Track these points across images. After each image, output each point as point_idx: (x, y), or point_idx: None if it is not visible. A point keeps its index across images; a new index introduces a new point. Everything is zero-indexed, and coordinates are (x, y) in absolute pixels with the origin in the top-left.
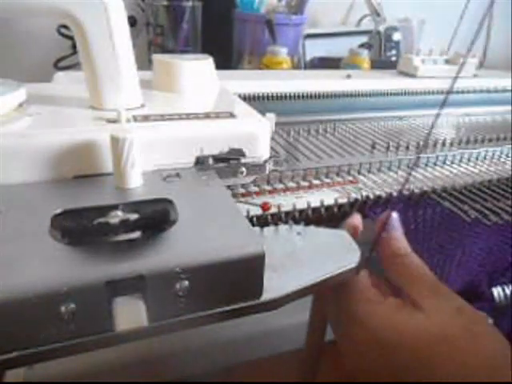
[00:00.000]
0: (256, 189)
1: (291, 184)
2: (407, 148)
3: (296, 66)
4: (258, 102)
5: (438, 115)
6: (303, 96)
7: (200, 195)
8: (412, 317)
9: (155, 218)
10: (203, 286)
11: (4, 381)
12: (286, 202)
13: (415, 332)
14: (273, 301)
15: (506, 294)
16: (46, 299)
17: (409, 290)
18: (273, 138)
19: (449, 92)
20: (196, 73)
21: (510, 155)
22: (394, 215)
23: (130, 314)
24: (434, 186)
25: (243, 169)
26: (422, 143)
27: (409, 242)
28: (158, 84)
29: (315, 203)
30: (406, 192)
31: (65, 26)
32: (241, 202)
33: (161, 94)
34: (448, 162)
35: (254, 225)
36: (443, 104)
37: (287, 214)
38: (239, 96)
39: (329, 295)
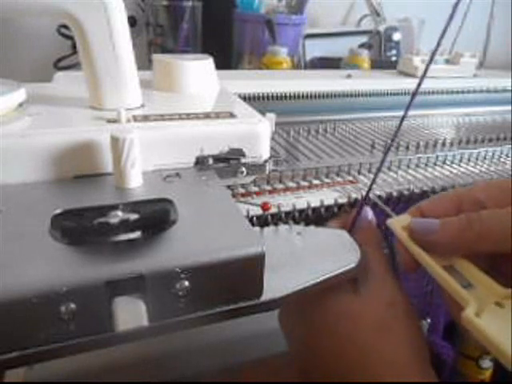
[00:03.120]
0: (256, 189)
1: (291, 184)
2: (407, 148)
3: (296, 66)
4: (258, 101)
5: (403, 117)
6: (303, 96)
7: (200, 195)
8: (347, 297)
9: (155, 218)
10: (203, 285)
11: (4, 381)
12: (285, 202)
13: (344, 312)
14: (273, 301)
15: None
16: (46, 299)
17: (358, 275)
18: (273, 138)
19: (414, 93)
20: (196, 73)
21: (509, 155)
22: (366, 208)
23: (129, 313)
24: (434, 186)
25: (243, 169)
26: (388, 144)
27: None
28: (158, 84)
29: (315, 203)
30: (405, 192)
31: (65, 26)
32: (241, 201)
33: (161, 94)
34: (448, 162)
35: (253, 225)
36: (409, 105)
37: (287, 214)
38: (239, 96)
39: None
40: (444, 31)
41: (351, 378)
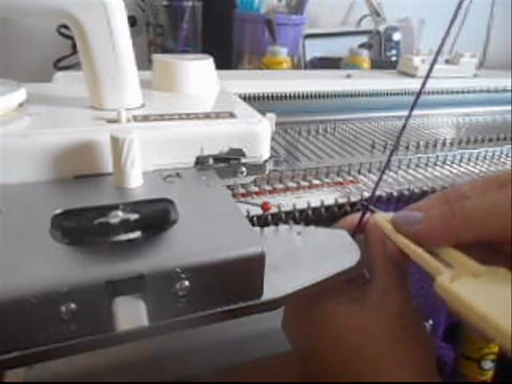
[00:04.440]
0: (256, 189)
1: (291, 184)
2: (407, 148)
3: (296, 66)
4: (258, 101)
5: (408, 116)
6: (303, 96)
7: (200, 195)
8: (353, 307)
9: (155, 218)
10: (203, 285)
11: (4, 381)
12: (286, 202)
13: (351, 324)
14: (273, 301)
15: None
16: (46, 299)
17: (371, 280)
18: (273, 138)
19: (419, 92)
20: (196, 73)
21: (509, 155)
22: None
23: (129, 313)
24: (434, 186)
25: (243, 169)
26: (393, 144)
27: None
28: (158, 84)
29: (315, 203)
30: (405, 192)
31: (65, 26)
32: (241, 201)
33: (161, 94)
34: (448, 162)
35: (254, 225)
36: (413, 106)
37: (287, 213)
38: (239, 96)
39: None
40: (447, 33)
41: None
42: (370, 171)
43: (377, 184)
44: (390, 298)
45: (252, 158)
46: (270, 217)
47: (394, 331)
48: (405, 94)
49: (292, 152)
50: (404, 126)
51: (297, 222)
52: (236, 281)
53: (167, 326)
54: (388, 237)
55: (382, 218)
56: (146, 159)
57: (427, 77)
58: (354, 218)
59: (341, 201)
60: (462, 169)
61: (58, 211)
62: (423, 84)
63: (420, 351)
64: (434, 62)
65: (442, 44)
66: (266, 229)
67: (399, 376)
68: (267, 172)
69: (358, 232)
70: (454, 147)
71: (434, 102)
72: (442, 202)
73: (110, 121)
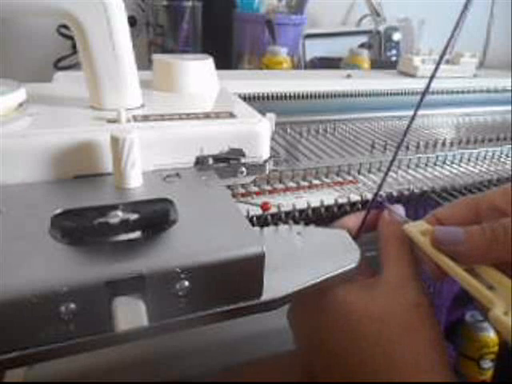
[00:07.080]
0: (256, 189)
1: (291, 184)
2: (407, 148)
3: (296, 66)
4: (258, 101)
5: (414, 116)
6: (303, 96)
7: (200, 195)
8: (368, 297)
9: (155, 218)
10: (203, 285)
11: (4, 381)
12: (285, 202)
13: (367, 314)
14: (273, 301)
15: None
16: (46, 299)
17: (385, 270)
18: (273, 138)
19: (425, 92)
20: (196, 73)
21: (509, 155)
22: (397, 205)
23: (129, 314)
24: (434, 186)
25: (243, 169)
26: (399, 143)
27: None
28: (158, 84)
29: (315, 203)
30: (405, 192)
31: (65, 26)
32: (241, 201)
33: (161, 94)
34: (448, 162)
35: (254, 225)
36: (419, 104)
37: (287, 214)
38: (239, 96)
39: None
40: (451, 36)
41: (374, 378)
42: (369, 171)
43: (382, 181)
44: (408, 289)
45: (252, 157)
46: (269, 217)
47: (410, 321)
48: (405, 94)
49: (292, 152)
50: (408, 126)
51: (297, 222)
52: (236, 281)
53: (167, 326)
54: (421, 250)
55: (414, 227)
56: (146, 159)
57: (432, 77)
58: (355, 217)
59: (341, 201)
60: (461, 169)
61: (58, 211)
62: (427, 87)
63: (435, 341)
64: (439, 64)
65: (447, 47)
66: (266, 229)
67: (414, 365)
68: (267, 172)
69: (363, 230)
70: (454, 147)
71: (434, 102)
72: (473, 213)
73: (109, 121)
